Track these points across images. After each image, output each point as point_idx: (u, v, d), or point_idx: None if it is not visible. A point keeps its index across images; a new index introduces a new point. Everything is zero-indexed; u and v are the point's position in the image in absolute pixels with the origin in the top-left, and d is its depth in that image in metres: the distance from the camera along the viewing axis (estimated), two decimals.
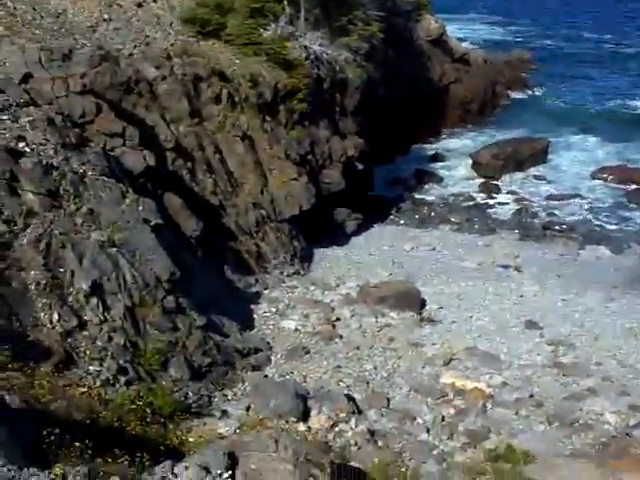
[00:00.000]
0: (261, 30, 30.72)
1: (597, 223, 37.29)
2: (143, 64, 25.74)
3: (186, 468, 9.35)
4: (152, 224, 19.55)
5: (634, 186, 41.38)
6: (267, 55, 29.78)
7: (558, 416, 19.02)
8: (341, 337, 23.32)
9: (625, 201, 39.93)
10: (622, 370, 22.20)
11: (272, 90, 29.18)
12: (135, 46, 26.45)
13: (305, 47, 31.63)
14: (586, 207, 39.15)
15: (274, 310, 24.47)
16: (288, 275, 27.51)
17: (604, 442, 17.21)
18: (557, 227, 36.22)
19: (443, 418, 18.90)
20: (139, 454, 9.81)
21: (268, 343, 22.16)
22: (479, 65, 55.26)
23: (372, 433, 17.10)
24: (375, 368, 21.55)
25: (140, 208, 19.70)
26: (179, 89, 26.18)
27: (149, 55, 26.33)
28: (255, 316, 23.86)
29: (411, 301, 25.90)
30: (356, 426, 17.21)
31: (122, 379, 15.59)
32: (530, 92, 59.63)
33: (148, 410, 14.20)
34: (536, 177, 43.22)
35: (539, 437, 18.05)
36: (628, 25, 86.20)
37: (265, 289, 25.92)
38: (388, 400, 19.65)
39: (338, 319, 24.57)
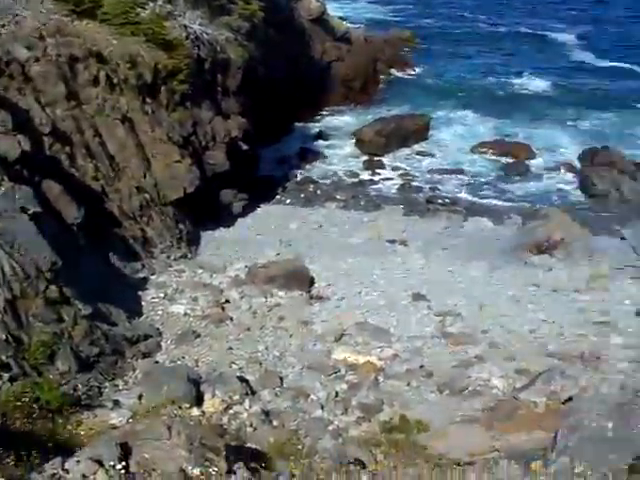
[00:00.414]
0: (139, 9, 29.84)
1: (478, 196, 38.50)
2: (13, 44, 24.54)
3: (77, 462, 9.13)
4: (30, 212, 18.87)
5: (512, 159, 42.93)
6: (145, 35, 28.91)
7: (448, 384, 19.56)
8: (231, 319, 23.24)
9: (504, 174, 41.34)
10: (507, 336, 23.07)
11: (152, 71, 28.43)
12: (3, 25, 25.15)
13: (185, 27, 31.00)
14: (468, 181, 40.28)
15: (162, 295, 24.10)
16: (175, 259, 27.12)
17: (492, 406, 17.87)
18: (440, 201, 37.16)
19: (337, 394, 19.14)
20: (26, 452, 9.47)
21: (157, 329, 21.82)
22: (360, 44, 55.70)
23: (267, 413, 17.15)
24: (267, 348, 21.60)
25: (17, 196, 18.96)
26: (54, 71, 25.12)
27: (19, 35, 25.08)
28: (143, 302, 23.43)
29: (300, 280, 26.05)
30: (250, 407, 17.20)
31: (5, 375, 15.06)
32: (411, 70, 60.58)
33: (35, 406, 13.73)
34: (419, 153, 43.91)
35: (431, 406, 18.55)
36: (503, 5, 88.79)
37: (152, 274, 25.46)
38: (281, 379, 19.74)
39: (227, 301, 24.45)
